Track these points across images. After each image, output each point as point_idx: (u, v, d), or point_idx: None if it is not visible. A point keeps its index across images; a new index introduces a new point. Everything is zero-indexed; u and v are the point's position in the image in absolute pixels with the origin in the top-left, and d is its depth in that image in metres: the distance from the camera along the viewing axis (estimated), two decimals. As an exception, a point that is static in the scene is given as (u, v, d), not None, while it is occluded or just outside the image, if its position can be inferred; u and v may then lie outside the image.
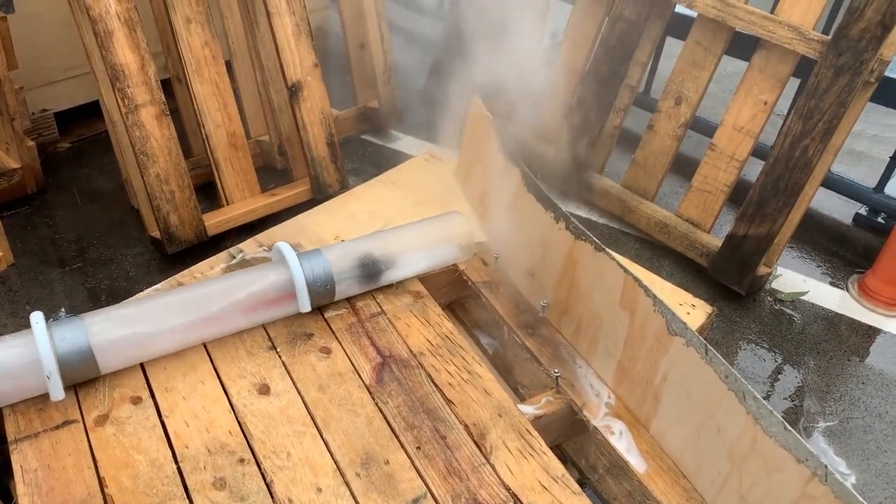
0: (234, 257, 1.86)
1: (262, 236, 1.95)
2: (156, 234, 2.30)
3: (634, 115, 2.89)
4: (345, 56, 3.03)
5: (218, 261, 1.85)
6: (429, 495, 1.30)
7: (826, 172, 2.31)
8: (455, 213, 1.86)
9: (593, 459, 1.53)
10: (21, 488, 1.24)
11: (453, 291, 1.89)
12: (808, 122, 2.18)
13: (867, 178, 2.86)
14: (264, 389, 1.46)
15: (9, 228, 2.38)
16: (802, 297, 2.46)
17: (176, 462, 1.31)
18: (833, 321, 2.39)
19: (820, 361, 2.24)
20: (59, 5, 2.34)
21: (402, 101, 3.16)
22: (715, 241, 2.45)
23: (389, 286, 1.73)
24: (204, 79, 2.32)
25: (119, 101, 2.12)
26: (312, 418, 1.41)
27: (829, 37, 2.14)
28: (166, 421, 1.38)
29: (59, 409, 1.38)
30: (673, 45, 2.69)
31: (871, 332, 2.36)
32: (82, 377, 1.41)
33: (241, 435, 1.37)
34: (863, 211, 2.78)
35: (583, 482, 1.55)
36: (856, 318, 2.41)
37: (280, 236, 1.92)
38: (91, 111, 2.71)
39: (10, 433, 1.33)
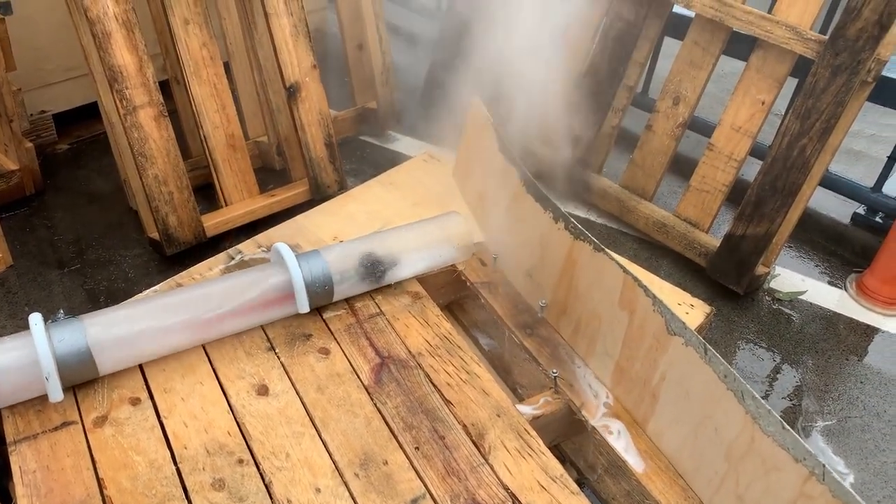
0: (232, 258, 1.86)
1: (261, 237, 1.95)
2: (154, 235, 2.30)
3: (632, 115, 2.90)
4: (343, 57, 3.03)
5: (217, 262, 1.85)
6: (427, 495, 1.30)
7: (824, 172, 2.31)
8: (453, 213, 1.86)
9: (592, 459, 1.54)
10: (20, 489, 1.24)
11: (452, 292, 1.89)
12: (805, 121, 2.18)
13: (865, 177, 2.86)
14: (263, 390, 1.46)
15: (7, 230, 2.38)
16: (801, 297, 2.47)
17: (175, 463, 1.31)
18: (831, 320, 2.40)
19: (818, 361, 2.25)
20: (57, 7, 2.34)
21: (400, 101, 3.16)
22: (713, 240, 2.46)
23: (388, 287, 1.74)
24: (202, 80, 2.32)
25: (117, 102, 2.12)
26: (311, 419, 1.42)
27: (827, 37, 2.14)
28: (165, 422, 1.38)
29: (57, 410, 1.38)
30: (671, 45, 2.69)
31: (870, 332, 2.37)
32: (81, 378, 1.41)
33: (240, 436, 1.37)
34: (861, 210, 2.78)
35: (581, 482, 1.55)
36: (854, 317, 2.42)
37: (279, 237, 1.93)
38: (89, 113, 2.71)
39: (9, 434, 1.33)
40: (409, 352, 1.58)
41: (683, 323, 1.35)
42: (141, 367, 1.48)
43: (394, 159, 2.88)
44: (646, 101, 3.02)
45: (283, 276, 1.56)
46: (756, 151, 2.54)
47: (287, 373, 1.50)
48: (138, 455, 1.32)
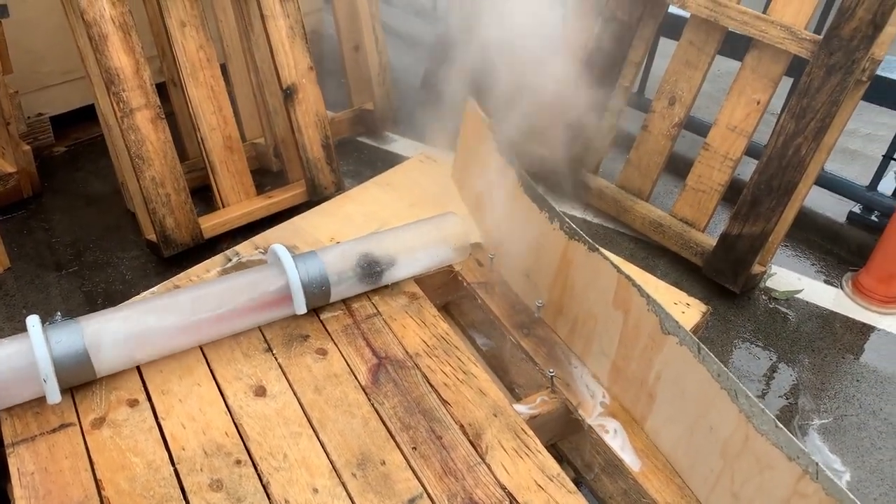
0: (230, 260, 1.86)
1: (258, 239, 1.95)
2: (152, 237, 2.31)
3: (629, 116, 2.91)
4: (339, 58, 3.04)
5: (214, 263, 1.85)
6: (425, 495, 1.31)
7: (819, 171, 2.32)
8: (450, 214, 1.86)
9: (589, 458, 1.54)
10: (18, 491, 1.25)
11: (449, 292, 1.90)
12: (800, 121, 2.19)
13: (861, 176, 2.87)
14: (260, 391, 1.47)
15: (5, 233, 2.39)
16: (797, 296, 2.48)
17: (173, 464, 1.31)
18: (827, 319, 2.41)
19: (814, 359, 2.26)
20: (54, 10, 2.35)
21: (397, 103, 3.17)
22: (709, 240, 2.47)
23: (385, 287, 1.74)
24: (199, 82, 2.33)
25: (114, 104, 2.13)
26: (309, 419, 1.42)
27: (821, 36, 2.15)
28: (163, 423, 1.39)
29: (55, 412, 1.38)
30: (667, 46, 2.70)
31: (866, 330, 2.38)
32: (78, 380, 1.41)
33: (238, 436, 1.38)
34: (856, 209, 2.79)
35: (578, 481, 1.55)
36: (850, 315, 2.43)
37: (276, 238, 1.93)
38: (86, 115, 2.72)
39: (7, 437, 1.34)
40: (407, 352, 1.59)
41: (677, 322, 1.36)
42: (139, 368, 1.48)
43: (391, 160, 2.89)
44: (642, 101, 3.03)
45: (281, 278, 1.57)
46: (752, 151, 2.55)
47: (284, 374, 1.51)
48: (136, 456, 1.32)
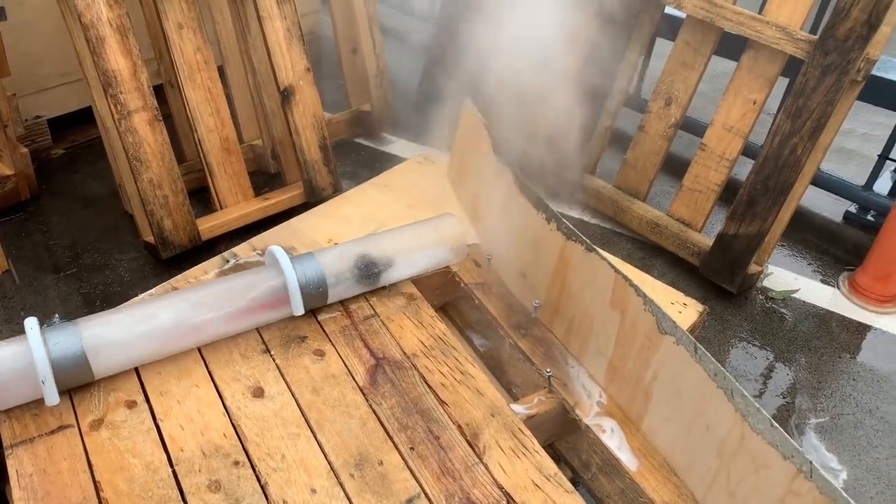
0: (227, 261, 1.87)
1: (256, 240, 1.96)
2: (150, 238, 2.31)
3: (625, 116, 2.92)
4: (337, 60, 3.04)
5: (212, 265, 1.85)
6: (423, 495, 1.31)
7: (815, 171, 2.33)
8: (447, 215, 1.87)
9: (586, 458, 1.55)
10: (17, 493, 1.25)
11: (446, 293, 1.90)
12: (796, 120, 2.20)
13: (857, 176, 2.88)
14: (258, 392, 1.47)
15: (3, 235, 2.39)
16: (793, 295, 2.49)
17: (171, 465, 1.32)
18: (824, 318, 2.41)
19: (811, 358, 2.26)
20: (51, 12, 2.35)
21: (394, 104, 3.18)
22: (706, 240, 2.47)
23: (383, 288, 1.74)
24: (196, 84, 2.33)
25: (112, 107, 2.13)
26: (306, 420, 1.42)
27: (816, 36, 2.16)
28: (161, 424, 1.39)
29: (54, 413, 1.39)
30: (663, 46, 2.71)
31: (862, 329, 2.39)
32: (76, 382, 1.41)
33: (236, 437, 1.38)
34: (852, 209, 2.80)
35: (576, 481, 1.56)
36: (846, 315, 2.44)
37: (273, 240, 1.93)
38: (84, 117, 2.72)
39: (6, 438, 1.34)
40: (404, 353, 1.59)
41: (674, 322, 1.36)
42: (137, 370, 1.49)
43: (388, 161, 2.89)
44: (638, 101, 3.04)
45: (278, 279, 1.57)
46: (748, 151, 2.56)
47: (282, 375, 1.51)
48: (135, 458, 1.32)
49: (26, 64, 2.61)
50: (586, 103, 2.64)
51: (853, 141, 3.38)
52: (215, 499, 1.27)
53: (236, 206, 2.47)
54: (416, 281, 1.79)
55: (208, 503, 1.27)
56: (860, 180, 2.77)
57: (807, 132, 2.19)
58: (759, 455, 1.21)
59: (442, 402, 1.49)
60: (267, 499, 1.28)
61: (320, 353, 1.57)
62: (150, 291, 1.76)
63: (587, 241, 1.58)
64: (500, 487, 1.34)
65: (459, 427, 1.44)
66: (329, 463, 1.35)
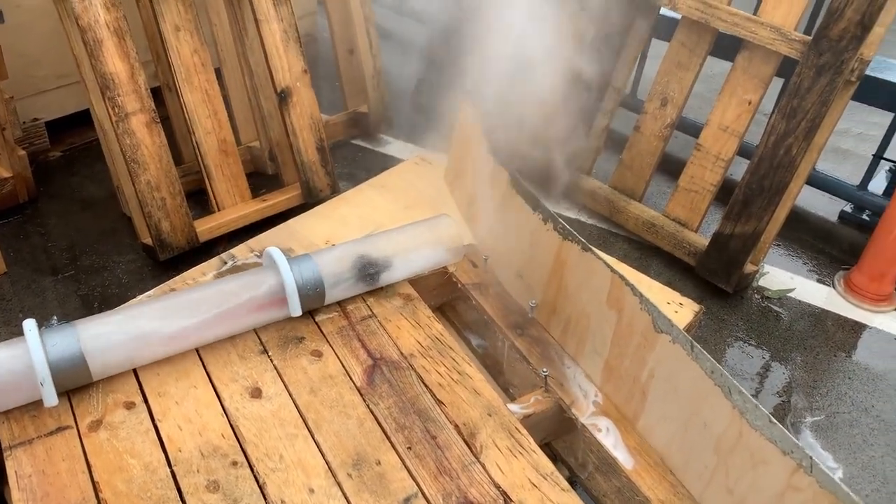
0: (225, 263, 1.87)
1: (254, 242, 1.96)
2: (148, 240, 2.32)
3: (621, 117, 2.93)
4: (334, 61, 3.05)
5: (210, 267, 1.86)
6: (420, 494, 1.32)
7: (810, 170, 2.34)
8: (444, 216, 1.88)
9: (582, 457, 1.55)
10: (16, 494, 1.25)
11: (443, 294, 1.91)
12: (791, 121, 2.21)
13: (852, 175, 2.90)
14: (256, 393, 1.48)
15: (1, 237, 2.39)
16: (789, 295, 2.50)
17: (169, 466, 1.32)
18: (820, 317, 2.43)
19: (807, 357, 2.27)
20: (49, 15, 2.36)
21: (391, 105, 3.19)
22: (702, 240, 2.48)
23: (380, 289, 1.75)
24: (194, 86, 2.34)
25: (109, 109, 2.14)
26: (304, 421, 1.43)
27: (811, 37, 2.17)
28: (159, 425, 1.39)
29: (52, 415, 1.39)
30: (659, 47, 2.72)
31: (858, 328, 2.40)
32: (75, 383, 1.42)
33: (234, 438, 1.38)
34: (848, 208, 2.82)
35: (573, 480, 1.56)
36: (842, 314, 2.45)
37: (271, 241, 1.94)
38: (82, 120, 2.73)
39: (5, 440, 1.34)
40: (401, 353, 1.60)
41: (670, 321, 1.37)
42: (135, 371, 1.49)
43: (385, 163, 2.90)
44: (634, 102, 3.05)
45: (276, 280, 1.58)
46: (743, 151, 2.57)
47: (280, 375, 1.52)
48: (133, 458, 1.33)
49: (24, 66, 2.62)
50: (582, 104, 2.65)
51: (848, 141, 3.39)
52: (214, 499, 1.28)
53: (234, 208, 2.48)
54: (413, 282, 1.80)
55: (207, 503, 1.27)
56: (855, 180, 2.78)
57: (801, 132, 2.20)
58: (757, 451, 1.21)
59: (439, 402, 1.49)
60: (265, 499, 1.29)
61: (318, 354, 1.58)
62: (148, 293, 1.76)
63: (583, 241, 1.59)
64: (497, 486, 1.34)
65: (456, 426, 1.45)
66: (327, 463, 1.35)
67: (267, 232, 2.03)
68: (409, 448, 1.39)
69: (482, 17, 2.53)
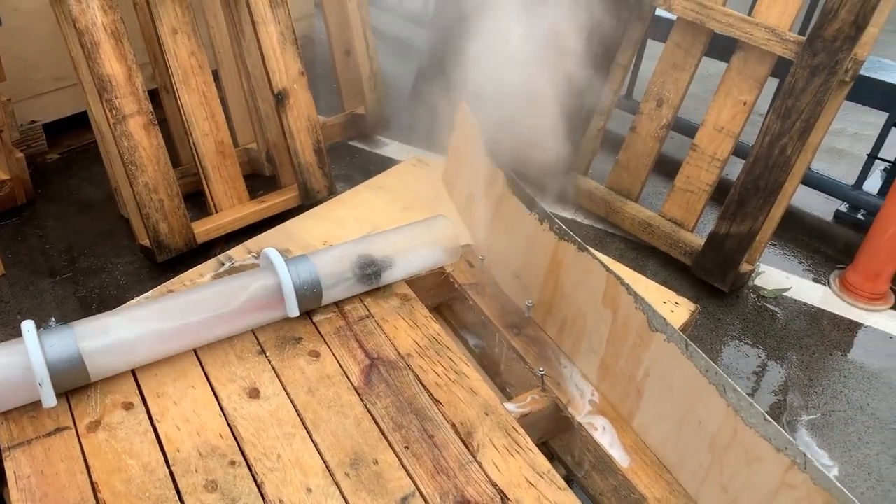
0: (223, 264, 1.88)
1: (251, 243, 1.97)
2: (145, 242, 2.32)
3: (617, 118, 2.94)
4: (331, 63, 3.06)
5: (207, 268, 1.87)
6: (417, 493, 1.32)
7: (805, 170, 2.35)
8: (440, 216, 1.89)
9: (579, 456, 1.56)
10: (15, 494, 1.26)
11: (440, 294, 1.92)
12: (786, 121, 2.22)
13: (848, 175, 2.91)
14: (254, 393, 1.48)
15: (-1, 239, 2.40)
16: (785, 294, 2.51)
17: (168, 466, 1.33)
18: (815, 316, 2.44)
19: (803, 356, 2.28)
20: (46, 18, 2.36)
21: (388, 107, 3.19)
22: (698, 239, 2.49)
23: (377, 289, 1.76)
24: (191, 88, 2.35)
25: (107, 111, 2.14)
26: (302, 420, 1.44)
27: (805, 38, 2.18)
28: (158, 426, 1.40)
29: (51, 416, 1.40)
30: (654, 48, 2.73)
31: (853, 327, 2.41)
32: (73, 384, 1.42)
33: (232, 438, 1.39)
34: (843, 208, 2.83)
35: (570, 479, 1.57)
36: (837, 313, 2.46)
37: (268, 242, 1.95)
38: (79, 122, 2.73)
39: (3, 441, 1.35)
40: (399, 353, 1.61)
41: (664, 319, 1.38)
42: (133, 372, 1.50)
43: (383, 164, 2.91)
44: (630, 103, 3.06)
45: (273, 281, 1.59)
46: (739, 151, 2.58)
47: (278, 375, 1.52)
48: (132, 459, 1.33)
49: (21, 69, 2.62)
50: (578, 105, 2.66)
51: (844, 141, 3.41)
52: (212, 498, 1.28)
53: (231, 210, 2.48)
54: (410, 282, 1.81)
55: (205, 503, 1.28)
56: (851, 180, 2.80)
57: (796, 132, 2.21)
58: (752, 449, 1.22)
59: (436, 402, 1.50)
60: (263, 498, 1.29)
61: (315, 354, 1.58)
62: (145, 294, 1.77)
63: (579, 240, 1.60)
64: (494, 485, 1.35)
65: (453, 426, 1.46)
66: (324, 462, 1.36)
67: (264, 233, 2.04)
68: (407, 447, 1.40)
69: (478, 19, 2.54)
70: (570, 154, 2.72)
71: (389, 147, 3.13)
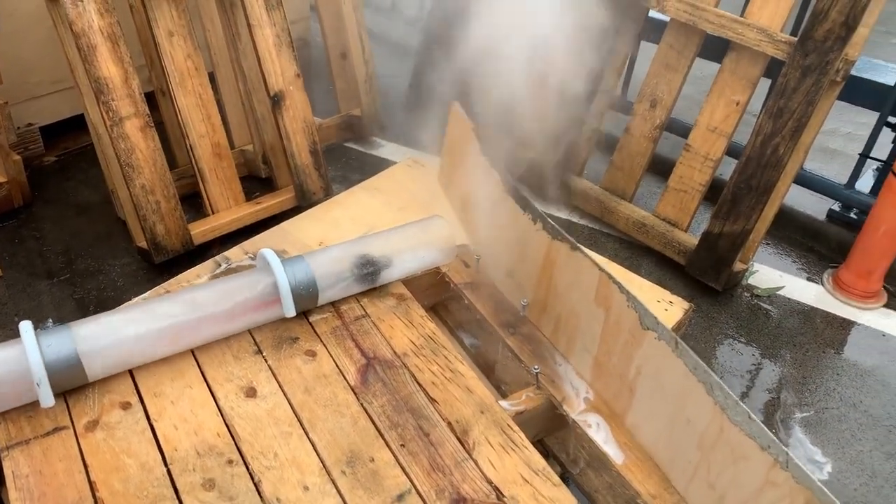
0: (220, 265, 1.89)
1: (248, 244, 1.98)
2: (142, 244, 2.33)
3: (612, 118, 2.95)
4: (327, 66, 3.07)
5: (204, 269, 1.88)
6: (413, 491, 1.34)
7: (798, 170, 2.37)
8: (436, 216, 1.90)
9: (574, 453, 1.58)
10: (13, 494, 1.27)
11: (436, 293, 1.93)
12: (778, 121, 2.24)
13: (841, 174, 2.93)
14: (251, 392, 1.49)
15: (-4, 242, 2.41)
16: (778, 292, 2.53)
17: (165, 465, 1.34)
18: (808, 315, 2.46)
19: (796, 354, 2.30)
20: (43, 22, 2.38)
21: (384, 108, 3.21)
22: (692, 239, 2.51)
23: (373, 289, 1.77)
24: (187, 91, 2.36)
25: (104, 114, 2.15)
26: (299, 419, 1.45)
27: (796, 38, 2.20)
28: (155, 425, 1.41)
29: (49, 416, 1.41)
30: (648, 49, 2.75)
31: (846, 325, 2.43)
32: (71, 384, 1.43)
33: (229, 437, 1.40)
34: (836, 207, 2.85)
35: (566, 477, 1.59)
36: (830, 311, 2.48)
37: (265, 243, 1.96)
38: (76, 125, 2.74)
39: (2, 441, 1.36)
40: (395, 352, 1.62)
41: (656, 318, 1.40)
42: (131, 372, 1.51)
43: (378, 165, 2.92)
44: (624, 104, 3.08)
45: (270, 281, 1.60)
46: (732, 151, 2.60)
47: (274, 375, 1.54)
48: (130, 458, 1.34)
49: (18, 72, 2.63)
50: (573, 106, 2.68)
51: (837, 140, 3.43)
52: (210, 497, 1.30)
53: (228, 211, 2.49)
54: (406, 282, 1.82)
55: (203, 501, 1.29)
56: (843, 179, 2.82)
57: (788, 132, 2.23)
58: (737, 447, 1.24)
59: (432, 400, 1.51)
60: (260, 496, 1.31)
61: (312, 354, 1.59)
62: (143, 295, 1.78)
63: (572, 240, 1.61)
64: (490, 482, 1.37)
65: (449, 424, 1.47)
66: (321, 460, 1.37)
67: (261, 234, 2.05)
68: (403, 445, 1.41)
69: (471, 22, 2.56)
70: (564, 155, 2.74)
71: (385, 148, 3.14)
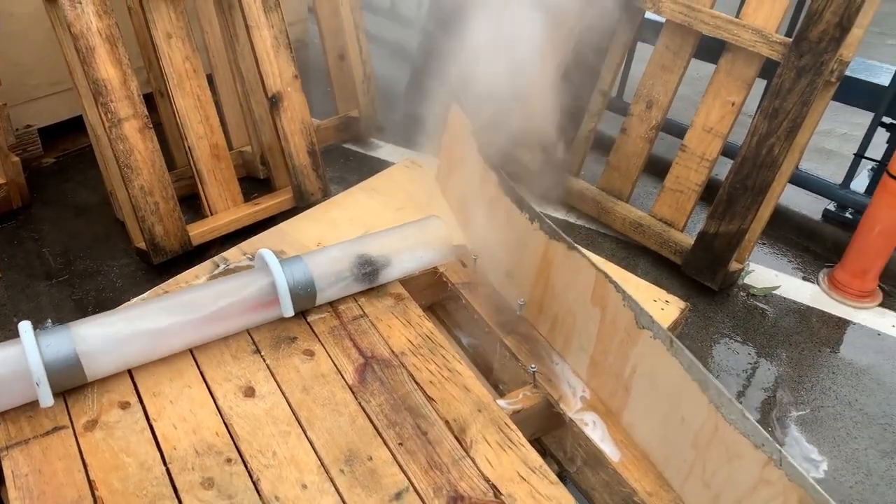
0: (218, 266, 1.90)
1: (246, 244, 1.99)
2: (141, 245, 2.34)
3: (608, 119, 2.97)
4: (324, 67, 3.08)
5: (203, 270, 1.89)
6: (411, 489, 1.35)
7: (793, 170, 2.38)
8: (433, 217, 1.91)
9: (571, 451, 1.59)
10: (13, 493, 1.28)
11: (434, 293, 1.94)
12: (773, 121, 2.26)
13: (836, 175, 2.94)
14: (250, 392, 1.50)
15: (-5, 243, 2.41)
16: (774, 292, 2.54)
17: (165, 464, 1.35)
18: (804, 314, 2.47)
19: (792, 353, 2.31)
20: (41, 24, 2.38)
21: (382, 109, 3.22)
22: (688, 239, 2.52)
23: (371, 289, 1.78)
24: (186, 92, 2.37)
25: (102, 115, 2.16)
26: (297, 418, 1.46)
27: (791, 39, 2.21)
28: (154, 424, 1.42)
29: (48, 415, 1.42)
30: (644, 50, 2.76)
31: (842, 324, 2.44)
32: (70, 384, 1.44)
33: (228, 436, 1.41)
34: (831, 207, 2.86)
35: (563, 476, 1.60)
36: (826, 310, 2.49)
37: (263, 244, 1.97)
38: (75, 126, 2.75)
39: (1, 440, 1.37)
40: (393, 351, 1.63)
41: (651, 317, 1.41)
42: (130, 371, 1.52)
43: (376, 166, 2.93)
44: (621, 104, 3.09)
45: (268, 282, 1.61)
46: (727, 151, 2.61)
47: (273, 374, 1.55)
48: (129, 457, 1.35)
49: (17, 74, 2.64)
50: (569, 107, 2.69)
51: (833, 141, 3.44)
52: (209, 496, 1.30)
53: (226, 212, 2.50)
54: (404, 282, 1.83)
55: (202, 500, 1.30)
56: (838, 179, 2.83)
57: (783, 132, 2.24)
58: (732, 445, 1.25)
59: (430, 399, 1.52)
60: (259, 495, 1.31)
61: (310, 353, 1.61)
62: (141, 296, 1.79)
63: (569, 240, 1.63)
64: (487, 480, 1.38)
65: (447, 422, 1.48)
66: (319, 459, 1.38)
67: (259, 235, 2.06)
68: (401, 444, 1.42)
69: (469, 22, 2.57)
70: (561, 155, 2.75)
71: (383, 149, 3.15)
